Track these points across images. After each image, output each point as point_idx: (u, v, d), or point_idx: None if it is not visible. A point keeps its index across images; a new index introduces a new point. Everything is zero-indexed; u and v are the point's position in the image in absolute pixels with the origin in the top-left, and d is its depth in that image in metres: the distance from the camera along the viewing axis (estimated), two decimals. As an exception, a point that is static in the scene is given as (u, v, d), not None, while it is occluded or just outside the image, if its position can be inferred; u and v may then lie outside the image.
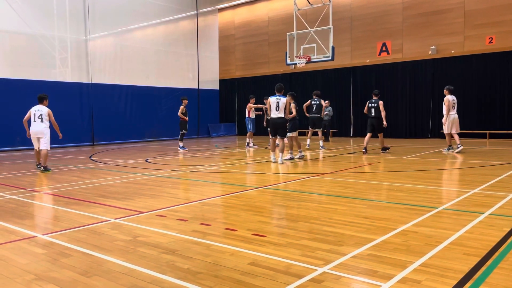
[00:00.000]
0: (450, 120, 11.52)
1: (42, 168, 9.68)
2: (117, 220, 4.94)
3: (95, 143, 18.28)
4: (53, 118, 9.79)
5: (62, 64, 17.81)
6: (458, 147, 11.50)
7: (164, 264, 3.42)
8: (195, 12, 22.81)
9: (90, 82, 18.28)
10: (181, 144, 14.55)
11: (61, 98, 17.15)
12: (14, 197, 6.64)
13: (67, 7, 17.58)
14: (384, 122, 12.02)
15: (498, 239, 3.90)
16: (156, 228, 4.52)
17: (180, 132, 14.55)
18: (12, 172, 9.69)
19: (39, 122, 9.65)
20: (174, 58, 21.99)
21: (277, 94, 9.97)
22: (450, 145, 11.80)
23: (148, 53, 20.73)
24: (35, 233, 4.46)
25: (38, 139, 9.69)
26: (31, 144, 10.45)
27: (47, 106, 9.94)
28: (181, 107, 14.43)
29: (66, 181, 8.15)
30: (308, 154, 12.46)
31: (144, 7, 20.35)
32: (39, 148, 9.75)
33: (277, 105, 9.87)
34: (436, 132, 18.05)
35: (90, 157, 13.09)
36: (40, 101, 9.92)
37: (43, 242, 4.15)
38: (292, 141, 11.00)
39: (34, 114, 9.73)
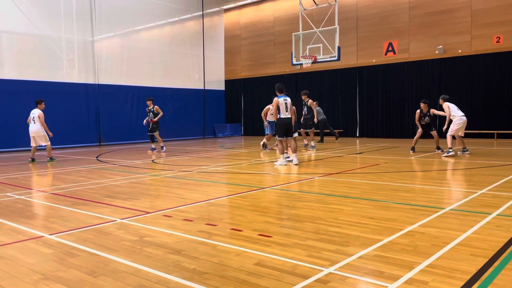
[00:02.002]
0: (461, 122, 11.01)
1: (48, 159, 11.81)
2: (123, 220, 4.96)
3: (101, 143, 18.38)
4: (42, 120, 11.62)
5: (69, 65, 17.92)
6: (450, 151, 11.01)
7: (170, 264, 3.43)
8: (201, 12, 22.85)
9: (97, 83, 18.38)
10: (152, 145, 14.34)
11: (68, 99, 17.30)
12: (22, 197, 6.69)
13: (74, 9, 17.69)
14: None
15: (506, 240, 3.87)
16: (162, 228, 4.54)
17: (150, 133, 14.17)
18: (20, 173, 9.77)
19: (33, 123, 11.67)
20: (180, 59, 22.04)
21: (282, 95, 9.91)
22: (464, 147, 11.33)
23: (154, 54, 20.80)
24: (42, 233, 4.49)
25: (33, 137, 11.69)
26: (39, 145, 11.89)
27: (43, 109, 11.84)
28: (156, 107, 14.03)
29: (73, 181, 8.20)
30: (312, 154, 12.44)
31: (150, 8, 20.42)
32: (35, 145, 11.74)
33: (286, 106, 9.81)
34: (443, 132, 17.91)
35: (97, 157, 13.16)
36: (35, 105, 11.85)
37: (51, 242, 4.17)
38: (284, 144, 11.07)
39: (31, 116, 11.73)
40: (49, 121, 16.27)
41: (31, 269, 3.41)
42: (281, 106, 9.78)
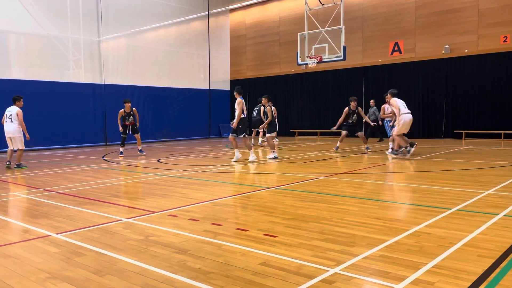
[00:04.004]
0: (404, 121, 10.32)
1: (15, 165, 10.30)
2: (129, 220, 4.98)
3: (107, 143, 18.46)
4: (21, 118, 10.28)
5: (76, 65, 18.02)
6: (408, 149, 10.53)
7: (176, 264, 3.44)
8: (207, 13, 22.89)
9: (103, 83, 18.47)
10: (121, 149, 12.96)
11: (75, 99, 17.40)
12: (28, 196, 6.74)
13: (80, 9, 17.79)
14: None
15: (513, 241, 3.84)
16: (168, 228, 4.55)
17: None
18: (26, 172, 9.83)
19: (9, 122, 10.27)
20: (186, 59, 22.10)
21: (241, 97, 10.88)
22: (401, 147, 10.86)
23: (160, 54, 20.86)
24: (49, 232, 4.52)
25: (10, 138, 10.32)
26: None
27: (22, 107, 10.53)
28: (134, 109, 13.16)
29: (80, 181, 8.24)
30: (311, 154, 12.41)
31: (156, 8, 20.49)
32: (13, 148, 10.37)
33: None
34: (449, 132, 17.85)
35: (103, 157, 13.21)
36: (13, 102, 10.50)
37: (57, 241, 4.20)
38: (269, 142, 12.29)
39: (6, 115, 10.36)
40: (56, 121, 16.53)
41: (38, 268, 3.44)
42: (244, 106, 10.86)
